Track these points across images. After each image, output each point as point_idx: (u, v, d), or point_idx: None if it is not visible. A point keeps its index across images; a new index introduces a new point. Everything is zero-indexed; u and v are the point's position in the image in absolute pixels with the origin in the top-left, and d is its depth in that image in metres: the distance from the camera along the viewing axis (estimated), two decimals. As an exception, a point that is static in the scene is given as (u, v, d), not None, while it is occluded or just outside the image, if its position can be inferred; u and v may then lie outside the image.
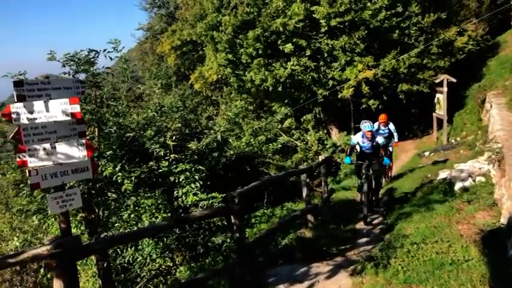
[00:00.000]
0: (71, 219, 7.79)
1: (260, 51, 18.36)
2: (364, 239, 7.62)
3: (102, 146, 8.57)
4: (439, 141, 17.75)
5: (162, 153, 9.33)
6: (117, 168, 8.86)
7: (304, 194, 8.31)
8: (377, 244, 7.05)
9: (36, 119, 3.79)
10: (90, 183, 6.00)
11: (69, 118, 3.89)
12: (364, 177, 8.94)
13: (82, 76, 6.50)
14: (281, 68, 18.35)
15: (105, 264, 5.82)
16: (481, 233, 5.91)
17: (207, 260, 7.66)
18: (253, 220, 10.47)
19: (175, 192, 9.23)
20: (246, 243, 6.25)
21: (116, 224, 7.57)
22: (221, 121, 16.80)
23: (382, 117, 11.99)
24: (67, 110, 3.86)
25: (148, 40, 32.06)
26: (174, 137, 9.76)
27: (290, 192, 12.32)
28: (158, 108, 10.69)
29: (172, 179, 9.20)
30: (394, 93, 18.00)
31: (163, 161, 9.32)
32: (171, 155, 9.41)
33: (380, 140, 9.09)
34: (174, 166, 9.27)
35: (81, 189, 5.79)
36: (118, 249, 8.50)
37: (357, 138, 9.24)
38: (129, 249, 8.44)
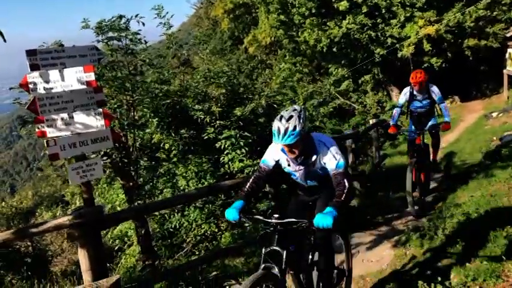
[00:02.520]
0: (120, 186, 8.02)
1: (313, 10, 17.58)
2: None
3: (147, 114, 8.61)
4: (510, 101, 16.32)
5: (207, 119, 9.28)
6: (163, 135, 8.96)
7: (349, 161, 7.94)
8: (427, 213, 6.59)
9: (52, 88, 3.75)
10: (124, 152, 6.02)
11: (84, 87, 3.81)
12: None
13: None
14: (336, 27, 17.51)
15: (143, 231, 5.90)
16: (544, 204, 5.32)
17: (249, 227, 7.59)
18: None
19: (221, 158, 9.19)
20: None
21: (159, 191, 7.66)
22: (274, 85, 16.49)
23: (417, 75, 6.68)
24: (82, 78, 3.77)
25: (203, 5, 31.94)
26: (219, 103, 9.64)
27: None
28: (206, 73, 10.57)
29: (218, 145, 9.16)
30: (460, 50, 16.64)
31: (209, 128, 9.27)
32: (217, 122, 9.33)
33: (329, 162, 3.50)
34: (219, 132, 9.20)
35: (113, 157, 5.84)
36: (165, 215, 8.67)
37: (273, 155, 3.71)
38: (175, 214, 8.57)
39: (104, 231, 9.27)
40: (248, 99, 10.38)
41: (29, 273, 9.15)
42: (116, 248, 9.57)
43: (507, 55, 16.16)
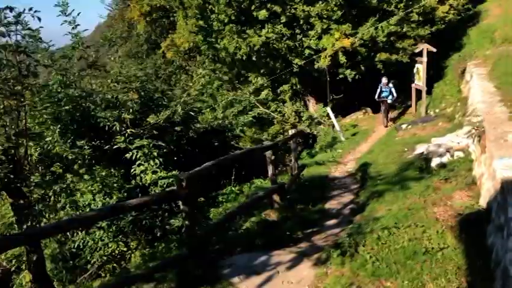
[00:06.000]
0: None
1: (233, 17, 17.33)
2: (333, 221, 7.03)
3: (47, 121, 7.79)
4: (418, 113, 17.25)
5: (117, 127, 8.57)
6: (66, 145, 8.09)
7: (269, 173, 7.68)
8: (346, 227, 6.46)
9: None
10: (11, 166, 5.18)
11: None
12: None
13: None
14: (255, 35, 17.39)
15: (35, 257, 5.08)
16: (458, 217, 5.36)
17: (160, 247, 7.00)
18: (220, 198, 9.82)
19: (132, 170, 8.52)
20: (199, 232, 5.62)
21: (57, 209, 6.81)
22: (193, 92, 15.98)
23: None
24: None
25: (118, 6, 30.45)
26: (130, 110, 8.96)
27: (261, 168, 11.67)
28: (118, 77, 9.82)
29: (128, 155, 8.47)
30: (372, 63, 17.28)
31: (119, 137, 8.57)
32: (128, 130, 8.66)
33: None
34: (131, 142, 8.54)
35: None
36: (68, 233, 7.78)
37: None
38: (79, 233, 7.73)
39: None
40: (164, 106, 9.78)
41: None
42: (13, 269, 8.45)
43: (415, 70, 17.06)
